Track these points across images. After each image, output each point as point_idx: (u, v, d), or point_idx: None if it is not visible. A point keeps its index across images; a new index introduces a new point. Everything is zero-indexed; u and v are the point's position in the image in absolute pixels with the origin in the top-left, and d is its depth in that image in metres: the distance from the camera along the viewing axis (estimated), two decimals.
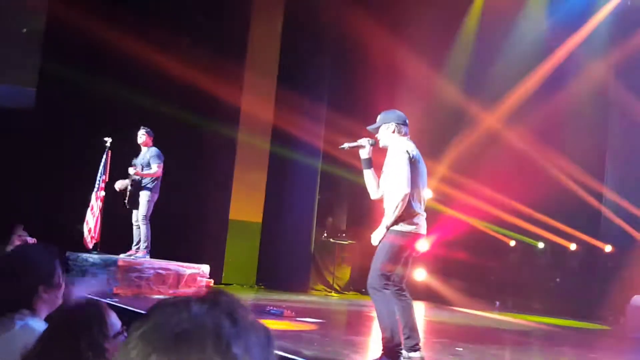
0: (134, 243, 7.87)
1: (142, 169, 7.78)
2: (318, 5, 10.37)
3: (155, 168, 7.74)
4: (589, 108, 10.50)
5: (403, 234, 4.23)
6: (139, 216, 7.76)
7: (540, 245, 11.38)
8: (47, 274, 2.03)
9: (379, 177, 4.43)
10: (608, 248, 10.23)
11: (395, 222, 4.18)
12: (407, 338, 4.12)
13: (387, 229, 4.17)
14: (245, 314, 0.77)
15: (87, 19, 8.59)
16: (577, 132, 10.29)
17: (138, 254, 7.71)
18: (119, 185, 7.82)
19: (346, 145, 4.45)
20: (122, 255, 7.65)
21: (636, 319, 8.08)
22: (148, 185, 7.78)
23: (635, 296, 8.32)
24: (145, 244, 7.79)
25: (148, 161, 7.80)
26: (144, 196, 7.75)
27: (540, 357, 5.64)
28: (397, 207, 4.14)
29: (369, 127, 4.45)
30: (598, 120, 10.46)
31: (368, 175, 4.45)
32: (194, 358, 0.69)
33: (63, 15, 8.81)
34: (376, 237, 4.21)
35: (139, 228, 7.80)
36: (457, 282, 11.28)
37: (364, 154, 4.39)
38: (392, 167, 4.22)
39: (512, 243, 11.59)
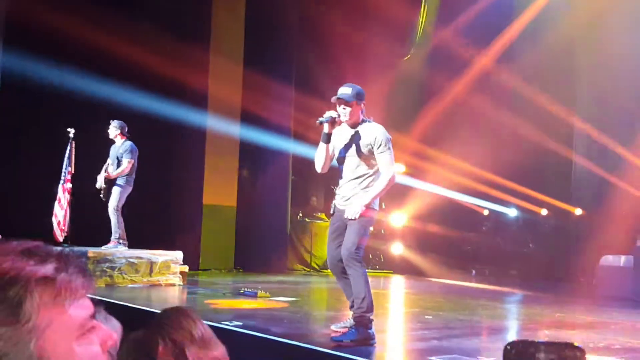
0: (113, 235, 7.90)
1: (117, 162, 7.78)
2: None
3: (126, 164, 7.74)
4: (556, 75, 10.60)
5: (374, 210, 4.36)
6: (109, 207, 7.75)
7: (513, 212, 11.55)
8: None
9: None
10: (578, 211, 10.43)
11: (372, 201, 4.26)
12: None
13: (367, 206, 4.21)
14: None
15: (49, 6, 8.45)
16: (545, 100, 10.39)
17: (109, 245, 7.70)
18: (99, 184, 7.85)
19: (323, 118, 4.27)
20: (102, 248, 7.68)
21: (605, 279, 8.27)
22: (121, 178, 7.78)
23: (604, 256, 8.50)
24: (117, 235, 7.78)
25: (122, 155, 7.79)
26: (116, 189, 7.78)
27: (506, 318, 5.75)
28: (385, 188, 4.27)
29: (342, 96, 4.24)
30: (566, 87, 10.57)
31: (325, 149, 4.37)
32: None
33: (24, 3, 8.65)
34: (356, 211, 4.21)
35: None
36: (433, 254, 11.42)
37: (332, 129, 4.32)
38: (378, 148, 4.23)
39: (486, 212, 11.74)
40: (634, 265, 7.83)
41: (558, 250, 10.43)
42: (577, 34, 10.32)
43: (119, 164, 7.79)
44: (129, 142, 7.87)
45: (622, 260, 8.21)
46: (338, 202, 4.41)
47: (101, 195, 7.80)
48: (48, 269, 0.82)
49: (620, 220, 9.94)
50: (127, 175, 7.79)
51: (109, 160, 7.87)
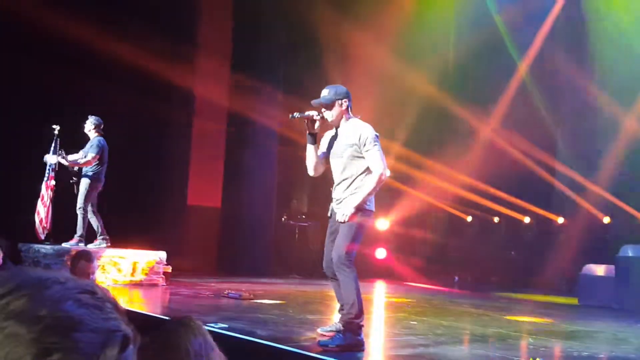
0: (99, 233, 7.76)
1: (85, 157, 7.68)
2: None
3: (89, 157, 7.56)
4: (541, 88, 10.74)
5: (369, 213, 4.26)
6: (77, 204, 7.60)
7: (496, 219, 11.64)
8: None
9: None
10: (560, 220, 10.54)
11: (364, 202, 4.18)
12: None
13: (358, 208, 4.15)
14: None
15: (35, 1, 8.33)
16: (531, 111, 10.52)
17: (71, 242, 7.52)
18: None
19: (297, 114, 4.26)
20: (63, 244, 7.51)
21: (587, 288, 8.35)
22: (88, 174, 7.62)
23: (586, 265, 8.58)
24: (80, 233, 7.58)
25: (88, 150, 7.65)
26: (83, 184, 7.60)
27: (489, 325, 5.77)
28: (375, 188, 4.17)
29: (318, 101, 4.23)
30: (551, 100, 10.70)
31: (312, 150, 4.33)
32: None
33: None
34: (345, 214, 4.15)
35: (92, 217, 7.68)
36: (416, 259, 11.45)
37: (312, 128, 4.30)
38: (365, 146, 4.14)
39: (469, 219, 11.81)
40: (616, 274, 7.92)
41: (540, 258, 10.52)
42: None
43: None
44: (97, 138, 7.67)
45: (604, 269, 8.30)
46: (334, 204, 4.40)
47: (75, 192, 7.65)
48: (130, 331, 0.69)
49: (603, 229, 10.07)
50: (94, 171, 7.61)
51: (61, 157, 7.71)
